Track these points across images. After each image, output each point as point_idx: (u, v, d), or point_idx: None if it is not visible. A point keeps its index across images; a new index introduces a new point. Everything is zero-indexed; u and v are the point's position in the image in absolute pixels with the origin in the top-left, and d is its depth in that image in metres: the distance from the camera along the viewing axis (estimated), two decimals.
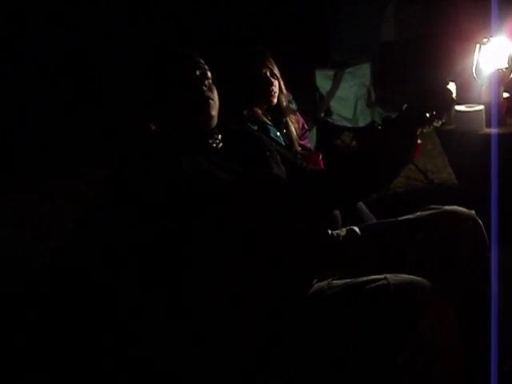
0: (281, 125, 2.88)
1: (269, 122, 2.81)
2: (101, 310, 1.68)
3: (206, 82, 1.86)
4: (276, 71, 2.85)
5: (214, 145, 1.85)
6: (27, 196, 4.95)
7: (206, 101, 1.85)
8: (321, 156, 2.89)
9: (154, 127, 1.91)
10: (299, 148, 2.88)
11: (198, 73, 1.87)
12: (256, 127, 2.69)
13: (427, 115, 1.77)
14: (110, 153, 3.07)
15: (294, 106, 2.99)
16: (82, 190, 4.84)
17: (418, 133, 1.78)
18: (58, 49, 7.88)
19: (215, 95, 1.88)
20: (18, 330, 2.65)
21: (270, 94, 2.82)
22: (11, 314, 2.83)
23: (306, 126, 3.10)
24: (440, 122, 1.80)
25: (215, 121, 1.87)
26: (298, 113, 3.01)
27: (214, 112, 1.86)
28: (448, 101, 1.84)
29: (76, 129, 6.58)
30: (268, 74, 2.82)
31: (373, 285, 1.56)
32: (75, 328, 1.75)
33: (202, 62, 1.91)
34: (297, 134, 2.90)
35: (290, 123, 2.90)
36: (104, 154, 5.41)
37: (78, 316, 1.73)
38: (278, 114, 2.88)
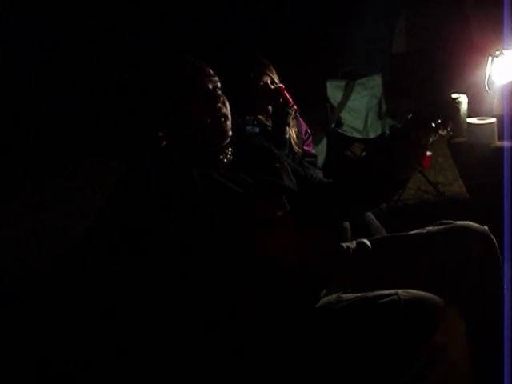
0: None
1: (270, 125, 2.77)
2: (102, 312, 1.66)
3: (221, 98, 1.78)
4: (276, 78, 2.80)
5: (225, 160, 1.80)
6: (30, 201, 4.95)
7: (224, 118, 1.77)
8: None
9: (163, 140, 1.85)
10: (299, 150, 2.84)
11: (210, 87, 1.79)
12: (258, 129, 2.65)
13: (432, 124, 1.75)
14: (112, 156, 3.06)
15: None
16: (88, 196, 4.84)
17: (423, 141, 1.76)
18: (58, 49, 7.93)
19: (228, 110, 1.80)
20: (18, 330, 2.65)
21: (271, 101, 2.78)
22: (11, 314, 2.84)
23: (310, 132, 3.07)
24: (445, 131, 1.79)
25: (229, 137, 1.81)
26: (299, 118, 2.96)
27: (230, 130, 1.79)
28: (452, 109, 1.83)
29: (77, 130, 6.62)
30: (269, 82, 2.77)
31: (383, 300, 1.54)
32: (75, 327, 1.74)
33: (212, 72, 1.82)
34: (297, 138, 2.86)
35: (290, 127, 2.85)
36: (106, 157, 5.45)
37: (78, 315, 1.73)
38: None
